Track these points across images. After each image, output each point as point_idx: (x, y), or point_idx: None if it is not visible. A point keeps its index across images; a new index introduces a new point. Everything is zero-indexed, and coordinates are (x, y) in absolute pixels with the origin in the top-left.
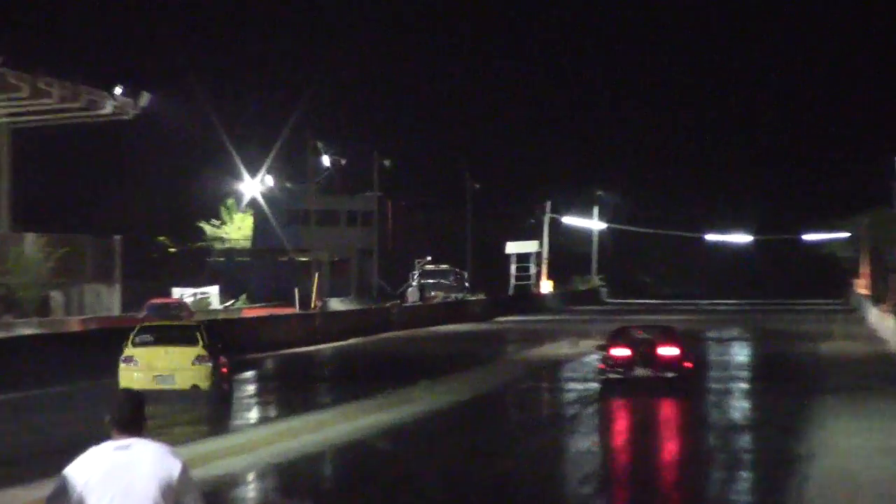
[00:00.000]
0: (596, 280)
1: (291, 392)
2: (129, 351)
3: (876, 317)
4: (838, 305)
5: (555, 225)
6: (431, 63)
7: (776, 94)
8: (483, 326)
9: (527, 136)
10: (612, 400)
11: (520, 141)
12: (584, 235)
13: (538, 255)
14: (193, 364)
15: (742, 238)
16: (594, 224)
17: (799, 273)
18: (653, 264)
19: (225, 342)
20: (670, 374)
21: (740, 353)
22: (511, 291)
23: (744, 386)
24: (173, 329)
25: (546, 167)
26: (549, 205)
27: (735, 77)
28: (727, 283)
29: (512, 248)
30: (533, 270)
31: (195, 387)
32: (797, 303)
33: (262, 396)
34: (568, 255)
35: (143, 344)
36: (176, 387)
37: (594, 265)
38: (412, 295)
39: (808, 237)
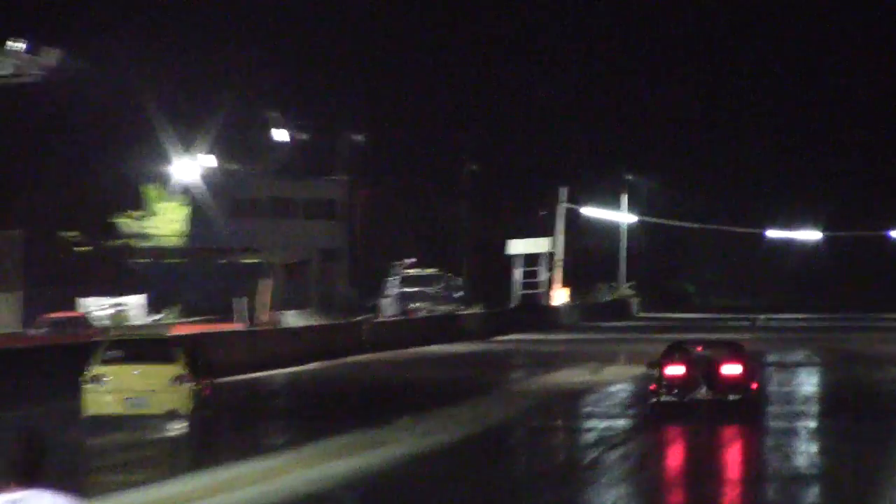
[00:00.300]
0: (625, 289)
1: (234, 431)
2: (97, 369)
3: None
4: None
5: (572, 218)
6: (420, 18)
7: (851, 60)
8: (480, 347)
9: (538, 107)
10: (643, 441)
11: (530, 113)
12: (611, 232)
13: (550, 256)
14: (171, 385)
15: (811, 235)
16: (623, 217)
17: (884, 280)
18: (698, 269)
19: (209, 361)
20: (734, 397)
21: (808, 383)
22: (516, 303)
23: (811, 424)
24: (148, 344)
25: (563, 145)
26: (565, 192)
27: (801, 40)
28: (792, 293)
29: (517, 247)
30: (543, 276)
31: (172, 412)
32: (882, 317)
33: (198, 437)
34: (589, 256)
35: (113, 360)
36: (150, 411)
37: (622, 270)
38: (389, 307)
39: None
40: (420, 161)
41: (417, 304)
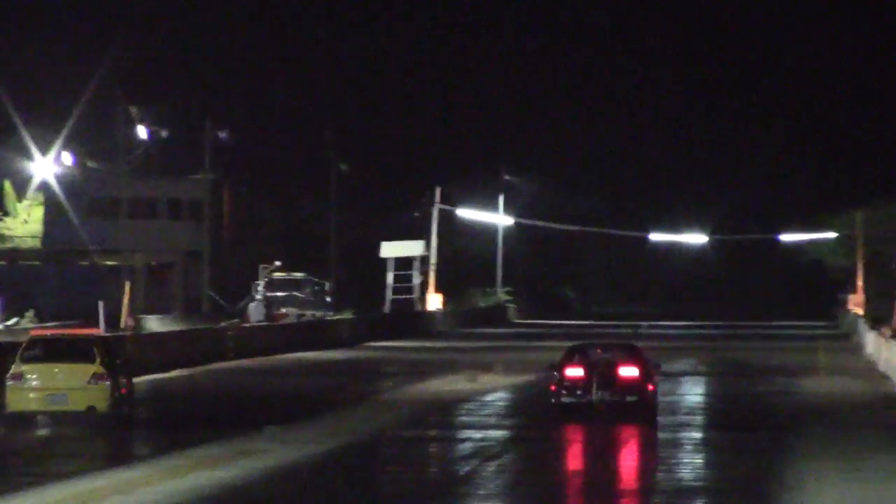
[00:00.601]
0: (501, 294)
1: (89, 441)
2: (17, 367)
3: (875, 345)
4: (826, 329)
5: (447, 220)
6: (291, 11)
7: (747, 54)
8: (351, 354)
9: (411, 104)
10: (521, 452)
11: (403, 110)
12: (487, 235)
13: (423, 259)
14: (89, 383)
15: (697, 238)
16: (500, 219)
17: (774, 286)
18: (579, 274)
19: (129, 359)
20: (631, 398)
21: (693, 393)
22: (388, 308)
23: (696, 436)
24: (67, 343)
25: (437, 144)
26: (438, 193)
27: (698, 30)
28: (678, 299)
29: (389, 250)
30: (417, 280)
31: (91, 408)
32: (771, 325)
33: (52, 446)
34: (464, 260)
35: (34, 360)
36: (69, 408)
37: (499, 274)
38: (255, 312)
39: (787, 238)
40: (288, 159)
41: (285, 310)
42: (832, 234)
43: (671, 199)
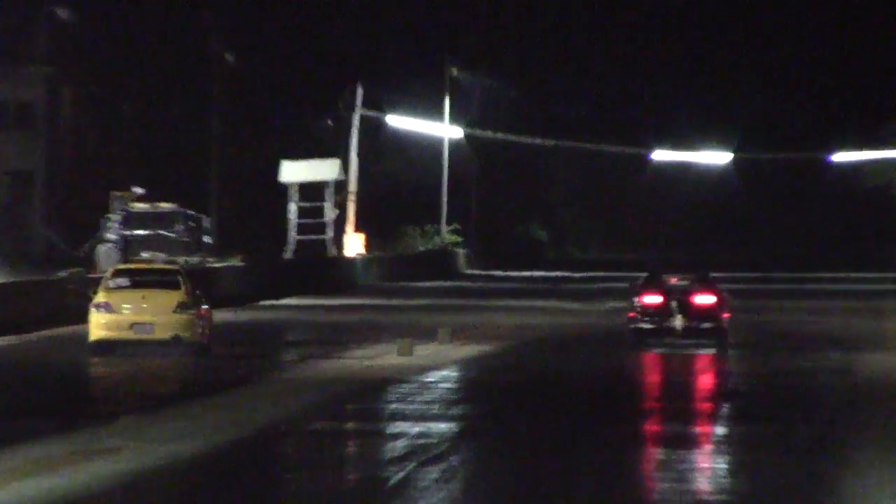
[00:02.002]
0: (448, 234)
1: None
2: (102, 296)
3: None
4: None
5: (373, 132)
6: None
7: None
8: (240, 316)
9: None
10: (475, 451)
11: None
12: (429, 152)
13: (340, 186)
14: (175, 312)
15: (716, 157)
16: (445, 130)
17: (824, 225)
18: (554, 207)
19: (207, 290)
20: (708, 325)
21: (710, 371)
22: (291, 253)
23: (719, 430)
24: (152, 272)
25: (359, 24)
26: (359, 93)
27: None
28: (691, 243)
29: (292, 173)
30: (330, 216)
31: (177, 337)
32: (821, 278)
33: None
34: (397, 187)
35: (119, 288)
36: (154, 336)
37: (444, 207)
38: (107, 258)
39: (841, 158)
40: (153, 48)
41: (148, 255)
42: None
43: (681, 103)
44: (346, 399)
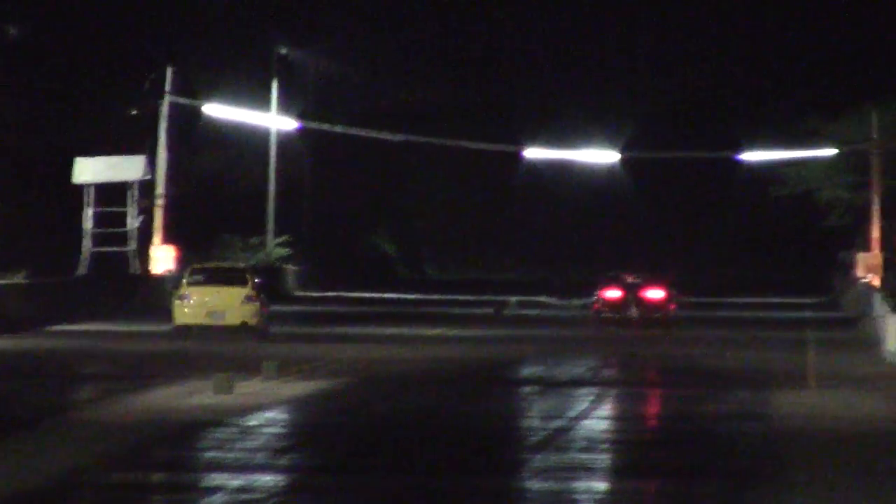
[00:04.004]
0: (275, 247)
1: None
2: (184, 289)
3: None
4: (819, 309)
5: (187, 122)
6: None
7: None
8: (26, 344)
9: None
10: None
11: None
12: (255, 148)
13: (146, 188)
14: (243, 303)
15: (603, 156)
16: (273, 121)
17: (732, 238)
18: (406, 216)
19: (272, 286)
20: (657, 315)
21: (595, 416)
22: (85, 269)
23: (599, 486)
24: (224, 270)
25: None
26: (169, 75)
27: None
28: (570, 258)
29: (87, 171)
30: (133, 223)
31: (244, 323)
32: (727, 303)
33: None
34: (216, 190)
35: (197, 283)
36: (226, 322)
37: (271, 215)
38: None
39: (752, 157)
40: None
41: None
42: (827, 152)
43: (560, 91)
44: (153, 445)
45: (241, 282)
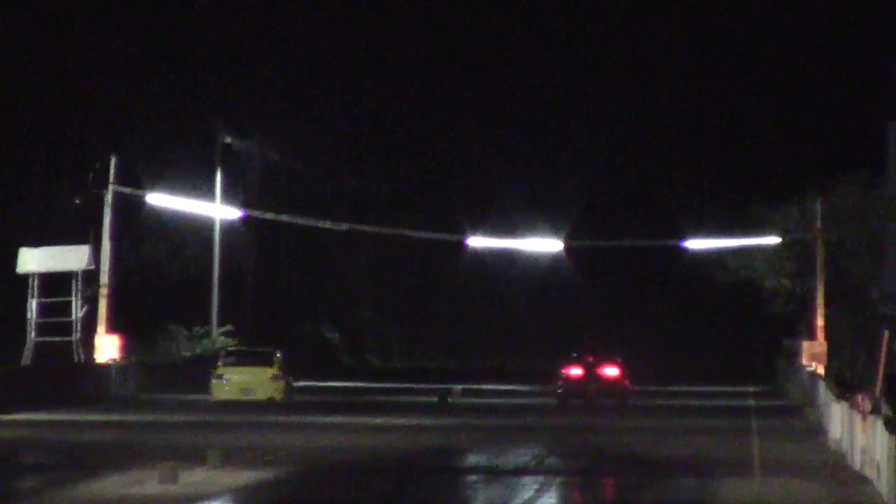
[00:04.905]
0: (220, 336)
1: None
2: (220, 370)
3: (845, 425)
4: (763, 397)
5: (131, 212)
6: None
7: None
8: None
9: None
10: None
11: (58, 18)
12: (199, 237)
13: (89, 278)
14: (270, 381)
15: (546, 245)
16: (217, 210)
17: (676, 326)
18: (352, 305)
19: (295, 364)
20: (612, 390)
21: None
22: (29, 358)
23: None
24: (254, 353)
25: (115, 80)
26: (113, 165)
27: None
28: (514, 347)
29: (31, 261)
30: (79, 312)
31: (272, 398)
32: (672, 391)
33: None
34: (159, 279)
35: (231, 364)
36: (257, 398)
37: (215, 304)
38: None
39: (697, 245)
40: None
41: None
42: (770, 240)
43: (502, 177)
44: None
45: (269, 362)
